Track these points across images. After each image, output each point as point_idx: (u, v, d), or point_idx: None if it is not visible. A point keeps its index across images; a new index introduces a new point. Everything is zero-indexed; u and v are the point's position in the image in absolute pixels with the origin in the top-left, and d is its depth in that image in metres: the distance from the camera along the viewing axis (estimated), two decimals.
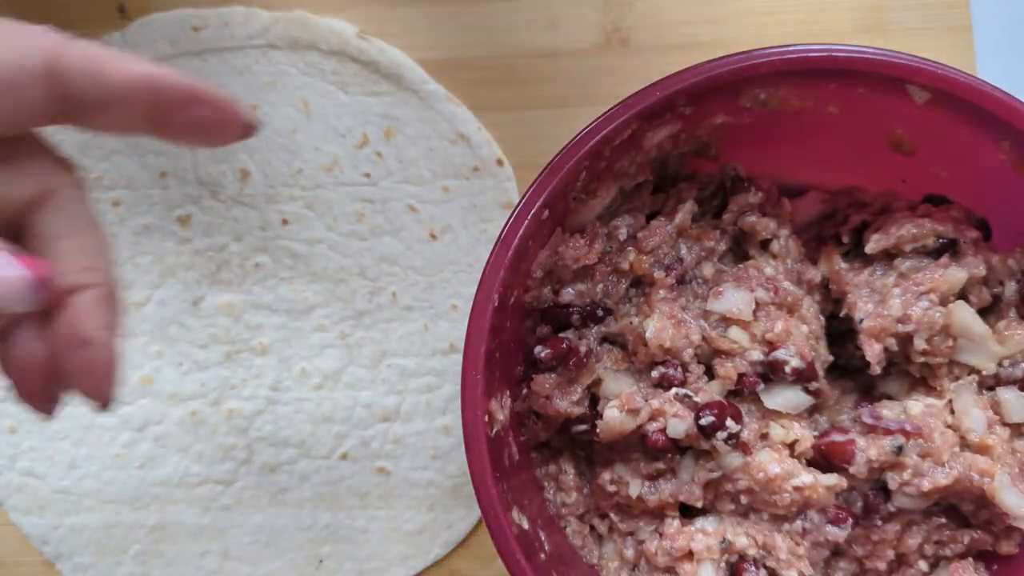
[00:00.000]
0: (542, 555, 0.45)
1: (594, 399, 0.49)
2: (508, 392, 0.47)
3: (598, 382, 0.48)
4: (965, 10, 0.59)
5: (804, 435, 0.47)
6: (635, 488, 0.48)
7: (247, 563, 0.60)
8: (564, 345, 0.47)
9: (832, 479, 0.46)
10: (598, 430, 0.47)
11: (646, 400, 0.46)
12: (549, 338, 0.48)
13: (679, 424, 0.46)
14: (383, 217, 0.61)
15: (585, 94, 0.60)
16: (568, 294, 0.49)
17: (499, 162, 0.61)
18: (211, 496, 0.61)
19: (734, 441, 0.46)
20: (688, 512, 0.49)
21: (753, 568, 0.47)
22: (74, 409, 0.61)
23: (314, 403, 0.61)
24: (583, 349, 0.48)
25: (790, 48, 0.44)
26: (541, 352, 0.47)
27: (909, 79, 0.44)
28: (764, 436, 0.48)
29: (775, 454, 0.46)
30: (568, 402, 0.48)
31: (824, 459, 0.47)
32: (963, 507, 0.48)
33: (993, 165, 0.46)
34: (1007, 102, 0.43)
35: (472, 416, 0.43)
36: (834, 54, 0.43)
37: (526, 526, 0.45)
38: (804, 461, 0.48)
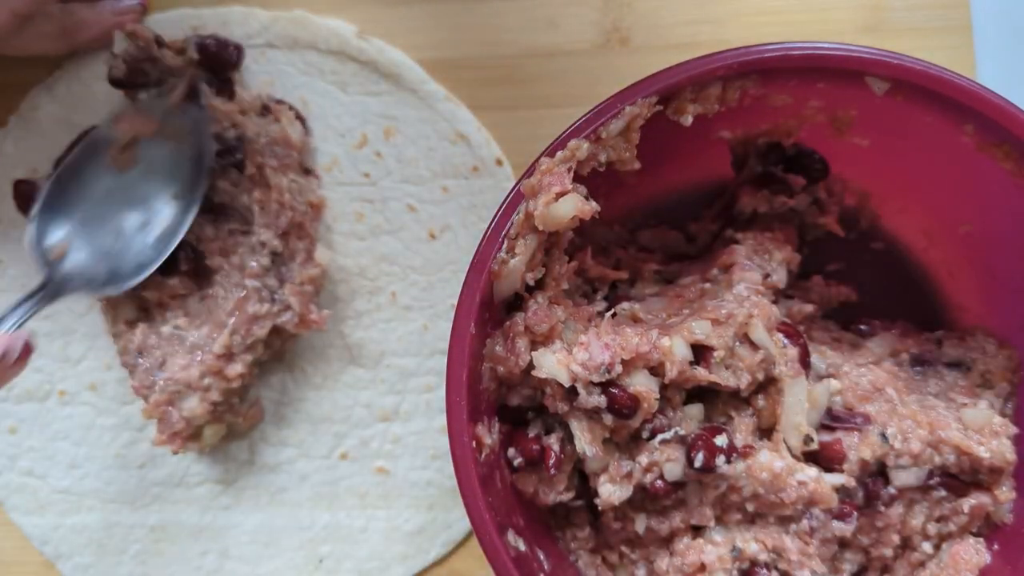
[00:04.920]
0: (542, 575, 0.45)
1: (581, 473, 0.48)
2: (496, 416, 0.47)
3: (580, 460, 0.47)
4: (965, 10, 0.59)
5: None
6: (640, 524, 0.48)
7: (247, 563, 0.60)
8: (535, 448, 0.46)
9: (839, 478, 0.47)
10: (600, 507, 0.47)
11: (634, 460, 0.46)
12: (518, 439, 0.47)
13: (674, 467, 0.46)
14: (382, 217, 0.61)
15: (585, 94, 0.60)
16: (515, 397, 0.47)
17: (498, 162, 0.61)
18: (211, 496, 0.61)
19: (735, 455, 0.46)
20: (695, 527, 0.49)
21: (765, 571, 0.47)
22: (74, 409, 0.61)
23: (313, 403, 0.61)
24: (556, 446, 0.46)
25: (746, 49, 0.44)
26: (515, 459, 0.46)
27: (866, 71, 0.44)
28: (760, 431, 0.48)
29: (774, 451, 0.47)
30: (556, 492, 0.47)
31: (818, 460, 0.48)
32: (951, 465, 0.48)
33: (957, 149, 0.46)
34: (967, 87, 0.44)
35: (459, 443, 0.42)
36: (790, 52, 0.44)
37: (523, 547, 0.45)
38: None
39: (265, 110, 0.59)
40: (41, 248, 0.57)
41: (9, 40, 0.56)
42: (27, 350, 0.51)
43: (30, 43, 0.58)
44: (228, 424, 0.59)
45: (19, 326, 0.53)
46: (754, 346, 0.47)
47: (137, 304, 0.59)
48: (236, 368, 0.56)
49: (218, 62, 0.59)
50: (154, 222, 0.58)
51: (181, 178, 0.58)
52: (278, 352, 0.60)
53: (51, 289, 0.55)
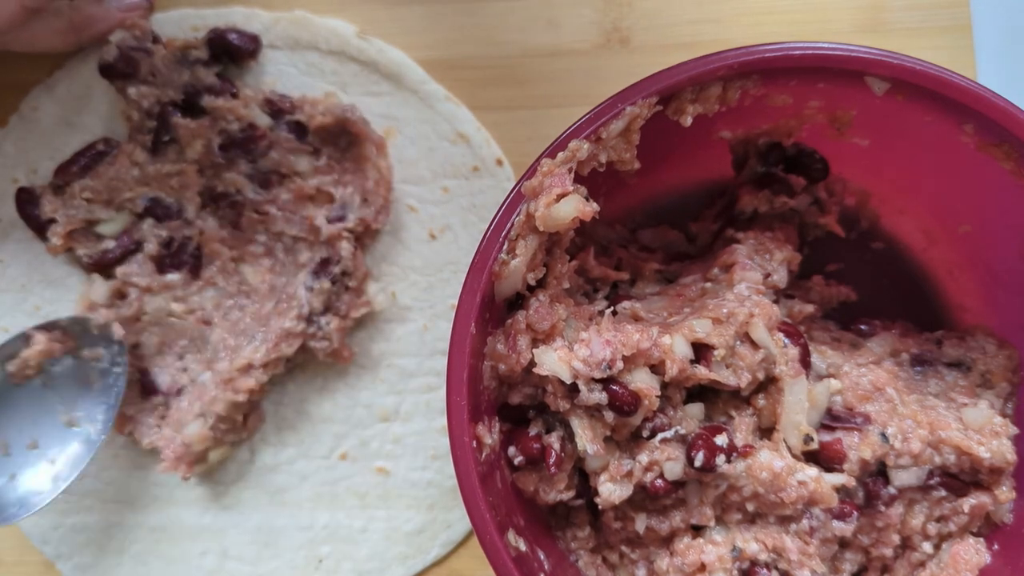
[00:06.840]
0: (542, 575, 0.45)
1: (582, 472, 0.48)
2: (496, 415, 0.47)
3: (581, 459, 0.47)
4: (965, 10, 0.59)
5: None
6: (640, 524, 0.48)
7: (247, 563, 0.60)
8: (536, 447, 0.46)
9: (839, 478, 0.47)
10: (600, 506, 0.47)
11: (634, 459, 0.46)
12: (518, 437, 0.47)
13: (675, 466, 0.46)
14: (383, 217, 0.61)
15: (585, 94, 0.60)
16: (516, 396, 0.47)
17: (499, 162, 0.61)
18: (211, 496, 0.61)
19: (735, 455, 0.46)
20: (695, 526, 0.49)
21: (766, 571, 0.47)
22: None
23: (313, 403, 0.61)
24: (556, 445, 0.46)
25: (747, 49, 0.44)
26: (515, 458, 0.46)
27: (867, 71, 0.44)
28: (760, 431, 0.48)
29: (775, 451, 0.47)
30: (556, 491, 0.47)
31: (818, 460, 0.48)
32: (951, 465, 0.48)
33: (957, 149, 0.46)
34: (967, 87, 0.44)
35: (459, 443, 0.42)
36: (791, 52, 0.44)
37: (523, 547, 0.45)
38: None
39: (267, 103, 0.59)
40: None
41: (17, 33, 0.56)
42: None
43: (39, 38, 0.58)
44: (231, 443, 0.60)
45: None
46: (755, 345, 0.47)
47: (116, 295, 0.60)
48: (248, 382, 0.56)
49: (238, 52, 0.60)
50: (50, 448, 0.53)
51: (83, 405, 0.54)
52: (290, 368, 0.61)
53: None
